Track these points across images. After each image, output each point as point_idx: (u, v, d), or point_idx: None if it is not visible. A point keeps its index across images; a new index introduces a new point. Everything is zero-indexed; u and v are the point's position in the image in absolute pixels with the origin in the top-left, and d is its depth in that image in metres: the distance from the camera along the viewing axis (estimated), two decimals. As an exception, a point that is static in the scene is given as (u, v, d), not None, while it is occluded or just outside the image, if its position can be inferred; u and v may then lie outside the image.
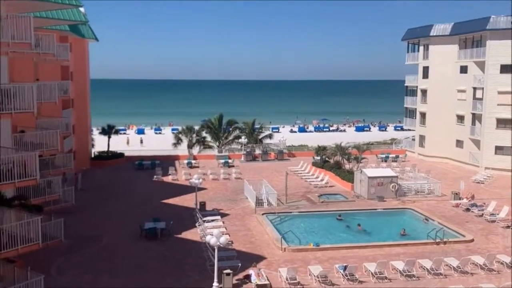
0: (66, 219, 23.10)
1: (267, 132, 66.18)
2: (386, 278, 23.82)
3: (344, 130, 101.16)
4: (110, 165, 53.39)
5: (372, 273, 23.86)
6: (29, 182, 19.68)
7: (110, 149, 56.91)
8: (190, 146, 58.61)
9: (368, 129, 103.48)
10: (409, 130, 68.35)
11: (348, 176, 43.70)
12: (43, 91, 26.14)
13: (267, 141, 63.14)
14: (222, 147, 60.72)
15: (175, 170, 49.71)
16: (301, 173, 49.09)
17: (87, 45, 51.31)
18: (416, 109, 60.10)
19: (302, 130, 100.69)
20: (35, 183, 20.53)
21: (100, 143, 59.40)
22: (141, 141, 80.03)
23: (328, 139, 71.21)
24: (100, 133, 59.45)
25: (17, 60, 25.93)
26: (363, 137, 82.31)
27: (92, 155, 55.03)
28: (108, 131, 57.84)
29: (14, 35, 18.73)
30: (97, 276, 24.14)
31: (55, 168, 29.31)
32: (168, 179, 47.01)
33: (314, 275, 23.51)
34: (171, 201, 39.00)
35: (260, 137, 63.27)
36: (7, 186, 18.90)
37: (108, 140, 57.75)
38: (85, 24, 44.84)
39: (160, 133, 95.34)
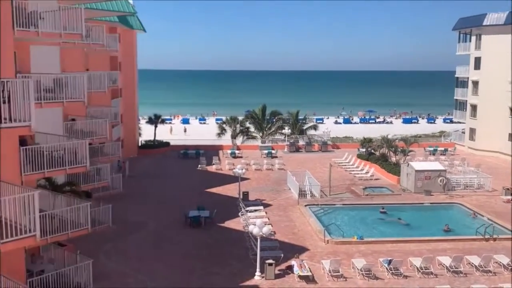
0: (114, 205, 23.75)
1: (311, 123, 65.79)
2: (432, 273, 23.28)
3: (391, 122, 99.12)
4: (156, 153, 54.58)
5: (417, 268, 23.38)
6: (80, 169, 20.34)
7: (156, 138, 58.19)
8: (233, 137, 59.06)
9: (416, 121, 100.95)
10: (459, 122, 66.17)
11: (394, 169, 42.88)
12: (93, 81, 26.95)
13: (311, 132, 62.76)
14: (266, 138, 60.83)
15: (219, 159, 50.24)
16: (345, 165, 48.54)
17: (135, 36, 52.38)
18: (466, 101, 58.08)
19: (347, 121, 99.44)
20: (85, 170, 21.18)
21: (146, 132, 60.82)
22: (185, 130, 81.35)
23: (374, 131, 70.04)
24: (147, 122, 60.95)
25: (68, 50, 26.78)
26: (410, 130, 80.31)
27: (139, 144, 56.38)
28: (154, 120, 59.15)
29: (66, 26, 19.30)
30: (142, 262, 24.78)
31: (104, 155, 30.21)
32: (212, 168, 47.58)
33: (358, 268, 23.27)
34: (214, 190, 39.47)
35: (304, 128, 63.00)
36: (59, 172, 19.61)
37: (155, 129, 59.10)
38: (133, 15, 45.76)
39: (204, 123, 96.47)
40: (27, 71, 20.07)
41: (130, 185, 38.74)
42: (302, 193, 36.48)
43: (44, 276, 18.54)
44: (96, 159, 28.15)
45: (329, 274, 22.95)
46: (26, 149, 17.66)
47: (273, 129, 62.50)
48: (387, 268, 23.36)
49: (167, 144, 57.70)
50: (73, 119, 27.34)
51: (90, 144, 22.68)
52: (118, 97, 44.68)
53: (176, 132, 77.14)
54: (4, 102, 11.67)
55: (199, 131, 78.63)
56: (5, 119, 11.67)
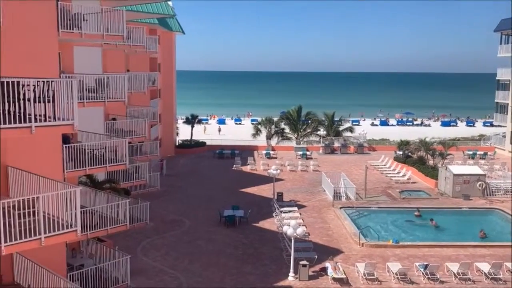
0: (152, 203, 24.25)
1: (347, 125, 65.14)
2: (469, 279, 22.75)
3: (429, 125, 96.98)
4: (192, 153, 55.30)
5: (454, 274, 22.90)
6: (119, 167, 20.84)
7: (193, 138, 58.96)
8: (268, 137, 59.14)
9: (454, 124, 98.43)
10: (500, 126, 64.15)
11: (432, 172, 42.03)
12: (133, 81, 27.57)
13: (347, 134, 62.17)
14: (300, 139, 60.66)
15: (254, 160, 50.43)
16: (381, 168, 47.89)
17: (174, 37, 53.20)
18: (508, 104, 56.30)
19: (384, 123, 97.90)
20: (124, 168, 21.70)
21: (183, 132, 61.67)
22: (219, 130, 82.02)
23: (411, 133, 68.79)
24: (184, 122, 61.87)
25: (110, 52, 27.50)
26: (449, 133, 78.39)
27: (176, 143, 57.22)
28: (191, 120, 59.94)
29: (108, 28, 19.85)
30: (178, 259, 25.19)
31: (143, 154, 30.82)
32: (247, 168, 47.83)
33: (393, 272, 22.98)
34: (249, 190, 39.67)
35: (339, 129, 62.48)
36: (99, 170, 20.18)
37: (191, 129, 59.88)
38: (173, 17, 46.52)
39: (240, 123, 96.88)
40: (70, 71, 20.76)
41: (167, 184, 39.42)
42: (337, 195, 36.23)
43: (83, 271, 19.09)
44: (135, 158, 28.76)
45: (364, 277, 22.75)
46: (68, 147, 18.30)
47: (308, 130, 62.23)
48: (423, 273, 22.96)
49: (203, 144, 58.37)
50: (114, 119, 28.04)
51: (129, 143, 23.21)
52: (157, 97, 45.46)
53: (210, 132, 77.77)
54: (48, 101, 12.10)
55: (234, 131, 79.03)
56: (49, 117, 12.11)
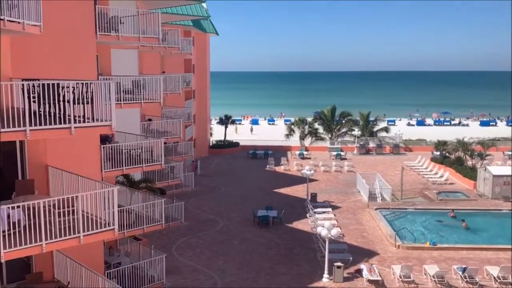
0: (186, 202, 24.54)
1: (382, 125, 64.15)
2: (510, 284, 22.03)
3: (467, 125, 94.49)
4: (226, 153, 55.65)
5: (494, 277, 22.23)
6: (155, 167, 21.17)
7: (226, 138, 59.32)
8: (302, 138, 58.90)
9: (494, 123, 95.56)
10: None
11: (470, 173, 40.96)
12: (169, 82, 27.89)
13: (382, 134, 61.23)
14: (335, 139, 60.14)
15: (287, 160, 50.32)
16: (418, 169, 46.96)
17: (208, 39, 53.64)
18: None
19: (420, 123, 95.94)
20: (160, 168, 22.02)
21: (216, 132, 62.12)
22: (251, 130, 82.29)
23: (449, 133, 67.19)
24: (217, 123, 62.32)
25: (145, 54, 27.94)
26: (488, 132, 76.12)
27: (210, 144, 57.68)
28: (225, 121, 60.32)
29: (144, 30, 20.17)
30: (212, 258, 25.38)
31: (177, 154, 31.19)
32: (280, 169, 47.75)
33: (430, 275, 22.49)
34: (282, 190, 39.60)
35: (374, 129, 61.62)
36: (136, 169, 20.55)
37: (225, 130, 60.27)
38: (207, 19, 46.90)
39: (273, 124, 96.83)
40: (108, 73, 21.20)
41: (202, 184, 39.79)
42: (372, 196, 35.74)
43: (120, 268, 19.48)
44: (170, 158, 29.14)
45: (400, 279, 22.36)
46: (106, 147, 18.70)
47: (342, 130, 61.64)
48: (461, 276, 22.40)
49: (236, 144, 58.63)
50: (150, 119, 28.50)
51: (164, 143, 23.53)
52: (191, 98, 45.94)
53: (241, 132, 77.91)
54: (87, 103, 12.35)
55: (266, 132, 79.05)
56: (88, 118, 12.37)
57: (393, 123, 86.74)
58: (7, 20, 11.62)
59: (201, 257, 25.65)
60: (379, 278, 22.38)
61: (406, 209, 34.18)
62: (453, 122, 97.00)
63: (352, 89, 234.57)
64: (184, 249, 26.78)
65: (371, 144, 57.90)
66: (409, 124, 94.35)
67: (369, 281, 22.28)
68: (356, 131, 61.40)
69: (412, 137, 68.09)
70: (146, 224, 19.57)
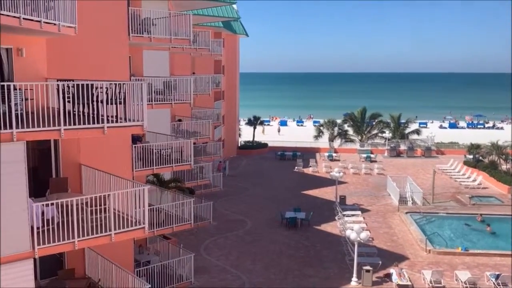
0: (215, 202, 24.66)
1: (413, 127, 63.10)
2: (547, 293, 21.36)
3: (502, 128, 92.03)
4: (254, 154, 55.74)
5: (530, 286, 21.57)
6: (184, 167, 21.38)
7: (254, 139, 59.40)
8: (331, 139, 58.48)
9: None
10: None
11: (504, 177, 39.93)
12: (199, 83, 28.14)
13: (414, 136, 60.22)
14: (365, 141, 59.49)
15: (316, 162, 50.04)
16: (450, 172, 46.00)
17: (238, 40, 53.83)
18: None
19: (453, 126, 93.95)
20: (189, 168, 22.21)
21: (245, 133, 62.25)
22: (279, 130, 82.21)
23: (482, 136, 65.51)
24: (246, 123, 62.46)
25: (176, 55, 28.24)
26: (524, 136, 74.04)
27: (239, 144, 57.86)
28: (253, 122, 60.38)
29: (176, 32, 20.40)
30: (240, 259, 25.43)
31: (206, 155, 31.40)
32: (309, 170, 47.52)
33: (461, 281, 21.99)
34: (311, 192, 39.40)
35: (406, 132, 60.69)
36: (166, 169, 20.81)
37: (253, 131, 60.33)
38: (237, 20, 47.08)
39: (302, 125, 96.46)
40: (140, 74, 21.51)
41: (230, 184, 39.94)
42: (402, 200, 35.18)
43: (150, 267, 19.72)
44: (199, 158, 29.36)
45: (430, 285, 21.94)
46: (137, 147, 18.97)
47: (372, 132, 60.92)
48: (494, 283, 21.81)
49: (265, 145, 58.64)
50: (180, 120, 28.78)
51: (194, 143, 23.72)
52: (220, 99, 46.18)
53: (268, 132, 77.71)
54: (120, 103, 12.55)
55: (294, 133, 78.77)
56: (120, 118, 12.56)
57: (425, 125, 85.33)
58: (44, 21, 11.94)
59: (229, 257, 25.74)
60: (408, 283, 22.01)
61: (437, 213, 33.52)
62: (487, 125, 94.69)
63: (381, 90, 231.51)
64: (212, 249, 26.93)
65: (402, 147, 57.03)
66: (441, 127, 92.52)
67: (399, 285, 21.93)
68: (387, 133, 60.58)
69: (445, 140, 66.73)
70: (175, 223, 19.78)
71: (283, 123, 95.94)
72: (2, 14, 10.39)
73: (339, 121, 61.24)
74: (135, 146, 18.80)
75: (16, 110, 10.65)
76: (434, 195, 36.39)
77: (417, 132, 60.90)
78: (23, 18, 11.13)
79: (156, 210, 19.32)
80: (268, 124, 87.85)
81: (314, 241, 28.13)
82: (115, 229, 12.42)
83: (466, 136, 72.66)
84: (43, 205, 11.69)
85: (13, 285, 11.06)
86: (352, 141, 59.43)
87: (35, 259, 11.33)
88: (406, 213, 33.07)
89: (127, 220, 13.01)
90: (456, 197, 37.48)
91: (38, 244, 11.22)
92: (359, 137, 60.35)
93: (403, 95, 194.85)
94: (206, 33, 27.69)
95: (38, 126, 10.90)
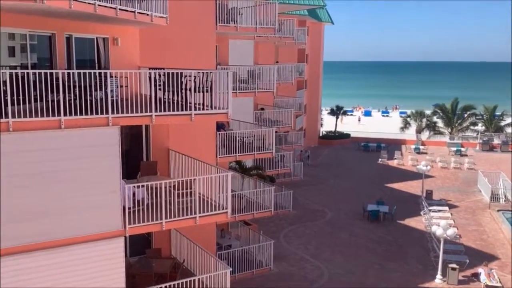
0: (295, 191, 24.72)
1: (510, 120, 59.04)
2: None
3: None
4: (336, 144, 55.02)
5: None
6: (266, 155, 21.66)
7: (337, 130, 58.64)
8: (418, 131, 56.29)
9: None
10: None
11: None
12: (282, 72, 28.21)
13: (510, 130, 56.35)
14: (455, 134, 56.60)
15: (401, 154, 48.44)
16: (549, 169, 42.61)
17: (323, 28, 53.15)
18: None
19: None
20: (271, 156, 22.45)
21: (327, 123, 61.53)
22: (359, 120, 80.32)
23: None
24: (328, 113, 61.68)
25: (261, 44, 28.49)
26: None
27: (320, 134, 57.39)
28: (336, 112, 59.53)
29: (261, 21, 20.56)
30: (319, 249, 25.33)
31: (288, 144, 31.54)
32: (393, 163, 46.13)
33: (559, 287, 20.41)
34: (395, 185, 38.25)
35: (501, 124, 56.93)
36: (248, 157, 21.21)
37: (336, 121, 59.52)
38: (323, 8, 46.46)
39: (387, 116, 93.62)
40: (225, 63, 21.98)
41: (310, 174, 39.79)
42: (494, 197, 33.13)
43: (231, 251, 20.27)
44: (280, 147, 29.54)
45: (523, 288, 20.58)
46: (221, 134, 19.46)
47: (464, 125, 57.78)
48: None
49: (347, 135, 57.69)
50: (262, 108, 29.08)
51: (276, 132, 23.90)
52: (303, 88, 46.01)
53: (348, 122, 75.90)
54: (206, 91, 12.94)
55: (377, 124, 76.60)
56: (207, 106, 12.96)
57: (522, 118, 79.41)
58: (138, 12, 12.54)
59: (308, 246, 25.73)
60: (498, 285, 20.76)
61: (533, 212, 31.25)
62: None
63: (475, 80, 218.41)
64: (291, 237, 27.05)
65: (496, 141, 53.56)
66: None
67: (487, 286, 20.76)
68: (480, 126, 57.21)
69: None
70: (256, 210, 20.17)
71: (367, 113, 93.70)
72: (100, 5, 11.05)
73: (427, 112, 58.73)
74: (219, 133, 19.30)
75: (112, 96, 11.33)
76: (531, 194, 33.93)
77: (513, 125, 56.94)
78: (119, 9, 11.76)
79: (238, 196, 19.76)
80: (351, 114, 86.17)
81: (397, 236, 27.34)
82: (199, 212, 12.88)
83: None
84: (134, 186, 12.37)
85: (106, 261, 11.85)
86: (441, 133, 56.78)
87: (125, 238, 12.03)
88: (498, 210, 31.15)
89: (211, 204, 13.45)
90: (556, 197, 34.67)
91: (129, 223, 11.90)
92: (449, 130, 57.53)
93: (498, 86, 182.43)
94: (290, 22, 27.62)
95: (132, 112, 11.52)
